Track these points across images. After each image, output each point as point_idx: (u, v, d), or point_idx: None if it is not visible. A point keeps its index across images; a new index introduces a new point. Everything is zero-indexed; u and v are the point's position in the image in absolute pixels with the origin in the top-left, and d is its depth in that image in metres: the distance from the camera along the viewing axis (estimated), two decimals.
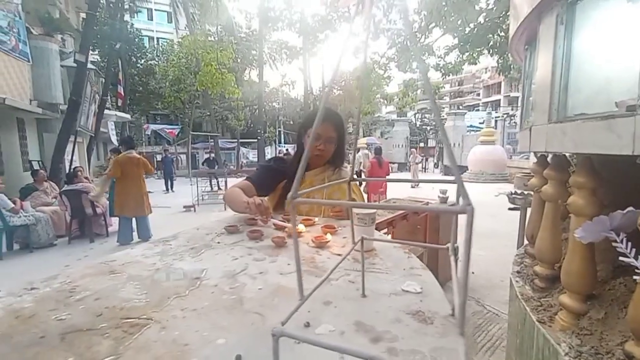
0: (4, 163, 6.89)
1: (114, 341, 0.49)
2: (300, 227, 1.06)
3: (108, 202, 5.78)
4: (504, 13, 5.19)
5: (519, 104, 1.65)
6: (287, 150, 18.73)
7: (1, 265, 4.21)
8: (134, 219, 5.08)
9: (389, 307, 0.60)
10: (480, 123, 26.69)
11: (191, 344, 0.49)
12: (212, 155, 12.03)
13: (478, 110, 35.56)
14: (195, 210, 7.87)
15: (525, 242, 1.93)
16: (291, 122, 28.18)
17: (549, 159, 1.52)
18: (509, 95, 35.46)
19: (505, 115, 24.58)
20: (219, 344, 0.49)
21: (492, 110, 19.16)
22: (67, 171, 6.53)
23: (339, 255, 0.89)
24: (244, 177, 1.42)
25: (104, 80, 10.09)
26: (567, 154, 1.45)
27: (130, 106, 17.63)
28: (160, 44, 23.62)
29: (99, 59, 14.45)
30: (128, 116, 12.88)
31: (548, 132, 1.08)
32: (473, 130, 20.03)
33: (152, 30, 26.66)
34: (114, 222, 5.83)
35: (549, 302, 1.31)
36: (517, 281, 1.55)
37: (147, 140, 22.23)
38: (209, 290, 0.67)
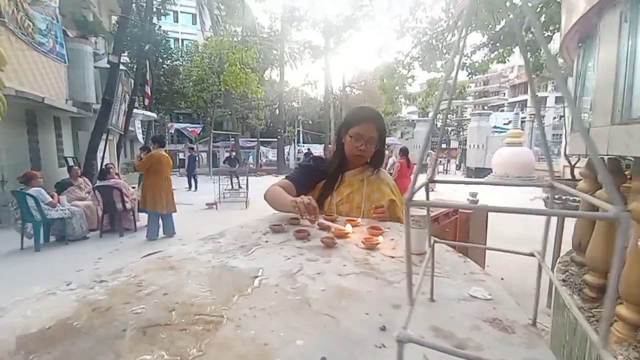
0: (42, 159, 7.27)
1: (194, 337, 0.49)
2: (348, 227, 1.04)
3: (137, 198, 6.01)
4: (538, 10, 4.98)
5: (567, 105, 1.56)
6: (308, 149, 18.79)
7: (41, 255, 4.43)
8: (160, 216, 5.23)
9: (462, 313, 0.58)
10: (504, 124, 25.80)
11: (270, 343, 0.48)
12: (233, 153, 12.23)
13: (503, 110, 34.40)
14: (217, 208, 8.03)
15: (561, 248, 1.84)
16: (310, 122, 28.27)
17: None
18: (537, 96, 34.09)
19: (532, 116, 23.63)
20: (298, 345, 0.48)
21: (520, 110, 18.47)
22: (100, 167, 6.81)
23: (392, 257, 0.87)
24: (284, 176, 1.41)
25: (133, 81, 10.47)
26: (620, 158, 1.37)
27: (156, 105, 18.20)
28: (185, 45, 24.27)
29: (128, 60, 15.02)
30: (154, 115, 13.32)
31: (610, 134, 1.02)
32: (497, 132, 19.39)
33: (178, 32, 27.43)
34: (142, 218, 6.05)
35: (601, 314, 1.23)
36: (563, 289, 1.47)
37: (170, 139, 22.89)
38: (271, 289, 0.66)
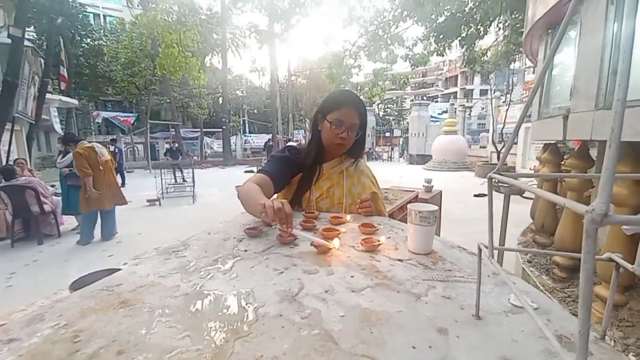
0: None
1: None
2: (335, 242, 0.81)
3: (58, 198, 5.15)
4: (477, 4, 5.27)
5: (533, 92, 1.61)
6: (268, 139, 18.14)
7: None
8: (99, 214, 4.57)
9: (521, 333, 0.48)
10: (439, 114, 27.83)
11: None
12: (175, 145, 11.23)
13: (437, 101, 37.06)
14: (160, 204, 7.32)
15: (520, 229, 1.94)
16: (255, 112, 27.35)
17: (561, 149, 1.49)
18: (465, 88, 37.34)
19: (463, 107, 25.80)
20: None
21: (454, 101, 20.01)
22: (5, 164, 5.70)
23: (400, 260, 0.75)
24: (258, 169, 1.20)
25: (43, 61, 8.90)
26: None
27: (76, 91, 15.87)
28: (109, 22, 21.42)
29: (36, 37, 12.75)
30: (75, 101, 11.53)
31: (595, 120, 1.02)
32: (434, 121, 20.80)
33: (98, 7, 24.06)
34: (66, 221, 5.22)
35: (575, 293, 1.29)
36: (532, 271, 1.53)
37: (97, 129, 20.31)
38: (274, 323, 0.50)
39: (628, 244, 1.01)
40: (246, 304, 0.55)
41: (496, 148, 12.39)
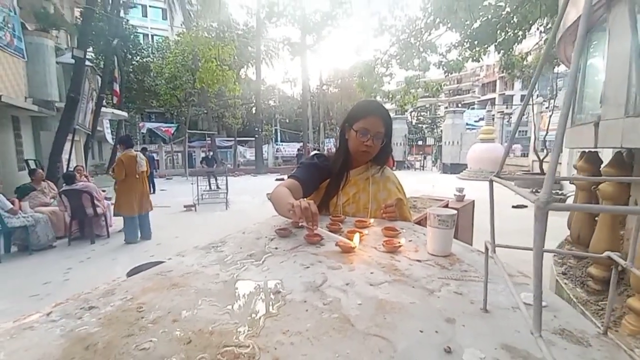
0: None
1: None
2: (355, 240, 0.88)
3: (108, 202, 5.65)
4: (514, 8, 5.13)
5: (565, 99, 1.58)
6: (298, 148, 18.57)
7: (1, 268, 4.04)
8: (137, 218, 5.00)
9: (525, 325, 0.51)
10: (475, 121, 26.80)
11: None
12: (211, 153, 11.85)
13: (474, 108, 35.72)
14: (196, 210, 7.74)
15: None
16: (287, 121, 28.05)
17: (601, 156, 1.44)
18: (504, 94, 35.69)
19: (501, 114, 24.71)
20: None
21: (491, 107, 19.22)
22: (65, 170, 6.35)
23: (418, 261, 0.80)
24: (288, 175, 1.30)
25: (100, 78, 9.86)
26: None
27: (126, 104, 17.30)
28: (155, 41, 23.23)
29: (95, 56, 14.15)
30: (125, 114, 12.60)
31: (625, 127, 1.00)
32: (469, 128, 20.08)
33: (147, 27, 26.23)
34: (115, 223, 5.70)
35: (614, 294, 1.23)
36: (566, 283, 1.48)
37: (142, 139, 21.91)
38: (300, 307, 0.57)
39: None
40: (275, 291, 0.63)
41: (538, 157, 11.70)
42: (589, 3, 0.33)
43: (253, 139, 20.38)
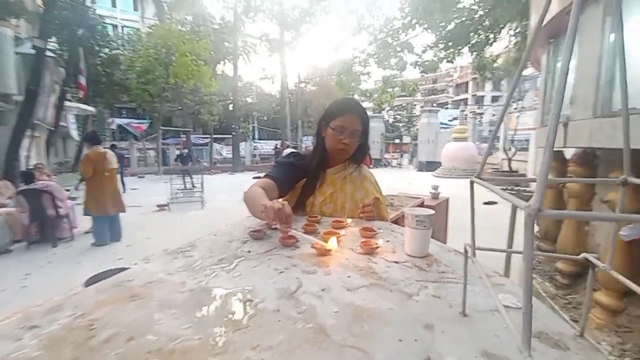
0: None
1: None
2: (331, 242, 0.84)
3: (72, 202, 5.33)
4: (487, 11, 5.30)
5: (542, 99, 1.64)
6: (276, 145, 18.38)
7: None
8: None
9: (504, 329, 0.50)
10: (449, 121, 27.64)
11: None
12: (186, 151, 11.46)
13: (448, 108, 36.80)
14: (169, 209, 7.46)
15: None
16: (265, 118, 27.70)
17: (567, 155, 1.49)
18: (476, 94, 37.03)
19: (473, 113, 25.62)
20: None
21: (464, 107, 19.89)
22: (25, 168, 5.92)
23: (396, 262, 0.78)
24: (264, 175, 1.24)
25: (64, 70, 9.26)
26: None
27: (93, 99, 16.38)
28: (126, 33, 22.13)
29: (58, 47, 13.27)
30: (92, 109, 11.94)
31: (592, 128, 1.04)
32: (443, 128, 20.69)
33: (116, 18, 24.90)
34: (79, 224, 5.38)
35: (576, 300, 1.29)
36: (535, 278, 1.53)
37: (112, 135, 20.87)
38: (272, 317, 0.53)
39: (627, 250, 1.02)
40: (246, 300, 0.59)
41: (507, 155, 12.22)
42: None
43: (230, 136, 19.94)
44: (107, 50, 17.39)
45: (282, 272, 0.72)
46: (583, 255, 0.46)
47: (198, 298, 0.59)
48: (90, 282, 0.83)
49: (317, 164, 1.26)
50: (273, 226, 0.93)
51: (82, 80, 10.21)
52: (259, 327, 0.50)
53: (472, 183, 0.45)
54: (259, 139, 26.15)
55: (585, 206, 1.51)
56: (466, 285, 0.54)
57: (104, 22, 17.88)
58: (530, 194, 3.00)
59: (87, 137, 4.99)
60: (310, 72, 27.21)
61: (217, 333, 0.48)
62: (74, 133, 12.14)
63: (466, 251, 0.52)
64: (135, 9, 25.17)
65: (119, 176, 9.27)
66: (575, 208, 1.34)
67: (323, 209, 1.24)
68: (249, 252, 0.85)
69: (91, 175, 4.47)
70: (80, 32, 9.22)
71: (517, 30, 6.83)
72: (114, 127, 19.71)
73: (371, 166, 7.07)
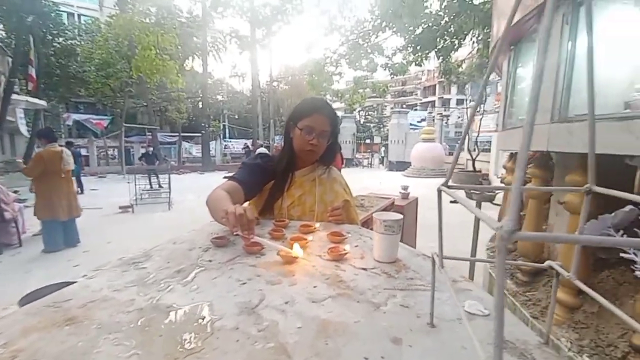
0: None
1: None
2: (296, 249, 0.81)
3: (20, 205, 4.87)
4: (452, 18, 5.51)
5: (503, 103, 1.70)
6: (245, 144, 17.98)
7: None
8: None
9: (470, 339, 0.49)
10: (418, 122, 28.57)
11: None
12: (151, 149, 10.91)
13: (416, 109, 38.03)
14: (133, 211, 7.06)
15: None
16: (236, 117, 27.08)
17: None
18: (442, 97, 38.58)
19: (440, 115, 26.65)
20: None
21: (432, 109, 20.64)
22: None
23: (364, 269, 0.76)
24: (227, 177, 1.19)
25: (11, 60, 8.46)
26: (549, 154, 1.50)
27: (46, 92, 15.13)
28: (83, 22, 20.69)
29: (4, 35, 12.13)
30: (43, 103, 10.96)
31: (550, 132, 1.08)
32: (413, 128, 21.35)
33: (72, 6, 23.20)
34: (29, 229, 4.94)
35: (536, 297, 1.35)
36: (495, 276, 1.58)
37: (68, 132, 19.45)
38: (230, 336, 0.49)
39: (582, 252, 1.08)
40: (201, 318, 0.54)
41: (471, 156, 12.82)
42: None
43: (199, 134, 19.27)
44: (61, 39, 16.19)
45: (244, 283, 0.67)
46: (547, 263, 0.46)
47: (147, 318, 0.53)
48: (25, 301, 0.73)
49: (285, 166, 1.22)
50: (235, 233, 0.88)
51: (32, 72, 9.39)
52: (213, 350, 0.45)
53: (439, 192, 0.43)
54: (230, 138, 25.53)
55: (543, 206, 1.59)
56: (434, 295, 0.52)
57: (58, 10, 16.64)
58: (492, 193, 3.14)
59: (40, 134, 4.57)
60: (283, 71, 26.97)
61: (166, 359, 0.43)
62: (23, 129, 11.15)
63: (434, 261, 0.50)
64: None
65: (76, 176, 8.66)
66: (534, 209, 1.41)
67: (291, 212, 1.20)
68: (210, 261, 0.79)
69: (40, 176, 4.08)
70: (30, 19, 8.45)
71: (479, 38, 7.17)
72: (69, 123, 18.38)
73: (343, 166, 7.10)
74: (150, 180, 9.70)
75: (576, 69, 1.02)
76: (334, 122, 1.21)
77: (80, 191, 9.41)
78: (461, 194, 0.49)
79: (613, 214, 0.98)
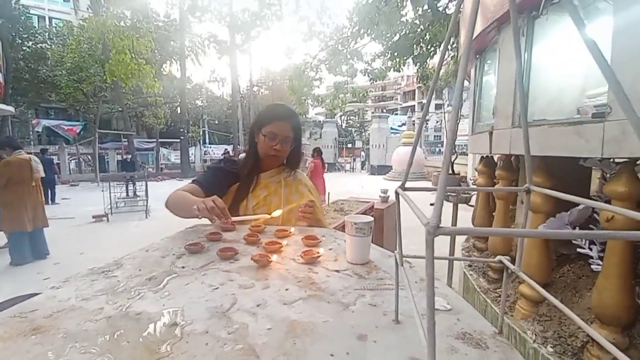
0: None
1: None
2: (276, 213, 1.10)
3: None
4: (426, 26, 5.70)
5: (472, 108, 1.79)
6: (225, 150, 17.73)
7: None
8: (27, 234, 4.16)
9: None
10: (399, 126, 29.18)
11: None
12: (129, 156, 10.58)
13: (397, 114, 38.82)
14: (108, 220, 6.82)
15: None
16: (216, 122, 26.73)
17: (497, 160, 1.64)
18: (422, 102, 39.59)
19: (420, 120, 27.26)
20: None
21: (411, 114, 21.15)
22: None
23: (336, 271, 0.78)
24: (191, 181, 1.22)
25: None
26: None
27: (14, 97, 14.43)
28: (55, 25, 19.93)
29: None
30: (11, 108, 10.41)
31: (512, 136, 1.15)
32: (394, 133, 21.78)
33: (44, 9, 22.33)
34: None
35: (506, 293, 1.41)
36: (471, 274, 1.65)
37: (38, 139, 18.56)
38: (200, 340, 0.49)
39: (543, 246, 1.15)
40: (172, 324, 0.54)
41: (449, 158, 13.21)
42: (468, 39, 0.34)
43: (178, 140, 18.87)
44: (31, 43, 15.54)
45: (216, 288, 0.68)
46: (498, 258, 0.50)
47: (115, 326, 0.53)
48: None
49: (250, 168, 1.26)
50: (213, 223, 1.03)
51: (0, 77, 8.94)
52: (182, 354, 0.46)
53: (397, 194, 0.46)
54: (210, 144, 25.13)
55: (510, 206, 1.68)
56: (398, 292, 0.55)
57: (28, 13, 15.98)
58: (467, 195, 3.26)
59: (4, 142, 4.35)
60: (263, 76, 26.92)
61: None
62: None
63: (396, 260, 0.53)
64: (66, 0, 22.81)
65: (48, 185, 8.26)
66: (502, 209, 1.49)
67: (257, 212, 1.24)
68: (183, 267, 0.79)
69: (6, 185, 3.88)
70: None
71: (453, 45, 7.44)
72: (39, 129, 17.56)
73: (325, 171, 7.13)
74: (127, 188, 9.40)
75: (533, 77, 1.10)
76: (296, 128, 1.27)
77: (51, 201, 8.99)
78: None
79: (569, 212, 1.05)
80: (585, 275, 1.17)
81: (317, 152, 6.54)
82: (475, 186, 1.95)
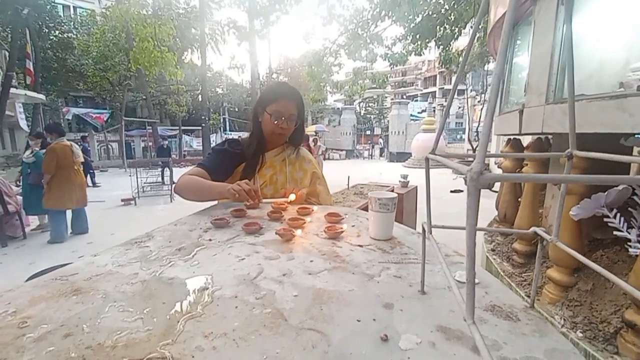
0: None
1: None
2: (291, 197, 1.13)
3: (22, 197, 4.92)
4: (452, 5, 5.43)
5: (498, 89, 1.70)
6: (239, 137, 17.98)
7: None
8: (68, 213, 4.53)
9: (459, 304, 0.51)
10: (419, 113, 28.42)
11: None
12: (166, 142, 10.97)
13: (417, 100, 37.74)
14: (135, 204, 7.11)
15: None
16: (236, 109, 26.96)
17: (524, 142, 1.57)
18: (443, 88, 38.22)
19: (441, 106, 26.46)
20: None
21: (432, 100, 20.53)
22: None
23: (360, 246, 0.78)
24: (195, 165, 1.24)
25: (8, 54, 8.42)
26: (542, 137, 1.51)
27: (44, 86, 15.08)
28: (79, 14, 20.47)
29: (1, 28, 12.03)
30: (42, 96, 10.93)
31: (545, 113, 1.09)
32: (413, 119, 21.25)
33: None
34: (32, 221, 5.01)
35: (531, 277, 1.37)
36: (494, 259, 1.61)
37: (68, 126, 19.41)
38: (229, 303, 0.51)
39: (576, 228, 1.10)
40: (202, 288, 0.56)
41: (472, 145, 12.78)
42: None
43: (199, 128, 19.21)
44: (57, 32, 16.05)
45: (243, 259, 0.70)
46: (533, 229, 0.48)
47: (150, 289, 0.56)
48: (31, 280, 0.76)
49: (255, 149, 1.26)
50: (247, 204, 1.10)
51: (29, 65, 9.35)
52: (213, 315, 0.48)
53: (427, 159, 0.45)
54: (230, 131, 25.45)
55: (539, 190, 1.61)
56: (424, 263, 0.54)
57: (54, 2, 16.45)
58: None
59: (50, 127, 4.63)
60: (282, 62, 26.73)
61: (167, 323, 0.45)
62: (23, 123, 11.13)
63: (424, 230, 0.52)
64: None
65: (86, 170, 8.75)
66: (530, 192, 1.43)
67: (264, 191, 1.25)
68: (210, 240, 0.81)
69: (55, 169, 4.21)
70: (25, 12, 8.37)
71: (480, 26, 7.07)
72: (69, 117, 18.33)
73: (342, 158, 7.09)
74: (163, 173, 9.70)
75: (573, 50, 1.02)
76: (300, 106, 1.27)
77: (92, 184, 9.52)
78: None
79: (606, 192, 0.99)
80: (621, 260, 1.11)
81: (305, 140, 6.52)
82: (501, 169, 1.87)
